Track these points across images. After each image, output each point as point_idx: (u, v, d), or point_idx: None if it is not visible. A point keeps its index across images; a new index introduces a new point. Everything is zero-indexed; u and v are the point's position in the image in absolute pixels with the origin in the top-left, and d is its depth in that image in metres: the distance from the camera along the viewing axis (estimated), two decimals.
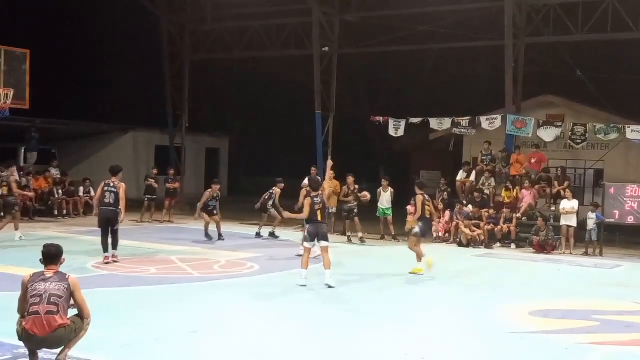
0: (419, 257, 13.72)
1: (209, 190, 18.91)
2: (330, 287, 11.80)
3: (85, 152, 30.92)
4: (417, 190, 14.12)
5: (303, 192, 15.10)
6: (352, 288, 12.22)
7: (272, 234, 19.29)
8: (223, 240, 18.17)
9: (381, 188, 20.56)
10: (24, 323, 6.77)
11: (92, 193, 23.13)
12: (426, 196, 14.14)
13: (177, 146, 29.15)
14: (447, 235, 19.96)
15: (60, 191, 23.23)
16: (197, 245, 17.12)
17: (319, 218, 12.22)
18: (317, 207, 12.21)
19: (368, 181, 23.26)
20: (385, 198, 20.34)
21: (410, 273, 13.51)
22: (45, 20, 33.20)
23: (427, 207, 13.96)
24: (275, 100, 36.93)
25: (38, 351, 6.95)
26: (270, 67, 32.99)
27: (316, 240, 12.27)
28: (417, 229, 13.92)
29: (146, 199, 22.70)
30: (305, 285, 11.84)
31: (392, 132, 22.85)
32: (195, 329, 8.81)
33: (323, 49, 24.59)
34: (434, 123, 22.37)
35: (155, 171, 23.70)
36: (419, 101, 32.12)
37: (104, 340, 7.96)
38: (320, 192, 12.50)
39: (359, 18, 25.09)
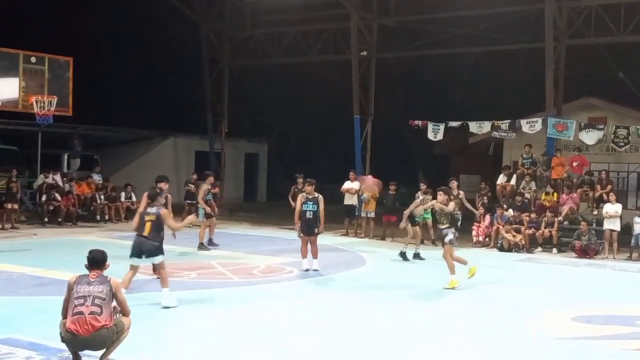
0: (453, 269, 12.66)
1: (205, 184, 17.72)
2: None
3: (126, 158, 31.31)
4: (443, 199, 13.22)
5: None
6: (394, 294, 12.17)
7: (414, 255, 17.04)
8: (216, 246, 17.50)
9: (420, 192, 20.46)
10: (67, 324, 6.90)
11: (134, 198, 23.48)
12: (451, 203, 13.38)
13: (217, 152, 29.39)
14: (487, 239, 19.79)
15: (102, 197, 23.55)
16: (237, 250, 17.21)
17: None
18: None
19: (407, 186, 23.17)
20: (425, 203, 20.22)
21: (447, 288, 12.51)
22: (87, 28, 33.72)
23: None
24: (314, 105, 37.01)
25: (81, 353, 7.07)
26: (309, 72, 33.10)
27: None
28: (451, 236, 12.87)
29: (186, 204, 22.91)
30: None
31: (431, 136, 22.74)
32: (233, 333, 8.87)
33: (361, 54, 24.61)
34: (473, 126, 22.21)
35: (194, 176, 23.90)
36: (457, 104, 31.97)
37: (143, 344, 8.07)
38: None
39: (397, 22, 25.06)
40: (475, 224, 19.82)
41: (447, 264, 12.75)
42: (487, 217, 20.13)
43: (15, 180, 20.84)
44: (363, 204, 20.96)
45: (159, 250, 10.52)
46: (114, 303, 7.11)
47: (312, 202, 14.02)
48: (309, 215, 14.01)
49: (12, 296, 10.87)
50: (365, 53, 24.67)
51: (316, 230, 14.08)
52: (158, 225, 10.55)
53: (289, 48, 27.11)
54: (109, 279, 7.14)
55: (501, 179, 21.84)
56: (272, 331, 9.16)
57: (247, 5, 27.60)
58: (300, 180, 19.71)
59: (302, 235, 14.14)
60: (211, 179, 17.49)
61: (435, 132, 22.62)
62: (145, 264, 11.00)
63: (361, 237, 20.72)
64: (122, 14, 33.68)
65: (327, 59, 27.53)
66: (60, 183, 23.36)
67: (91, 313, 6.85)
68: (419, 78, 34.10)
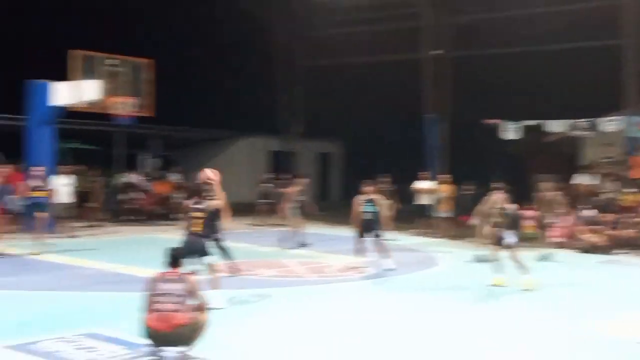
0: (526, 269, 12.30)
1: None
2: None
3: (202, 157, 31.85)
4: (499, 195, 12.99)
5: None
6: (466, 295, 12.06)
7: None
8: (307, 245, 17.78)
9: (494, 192, 20.17)
10: (147, 320, 7.11)
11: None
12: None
13: (291, 151, 29.66)
14: (567, 240, 19.37)
15: (180, 196, 24.06)
16: (311, 249, 17.35)
17: None
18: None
19: (481, 186, 22.91)
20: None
21: (523, 290, 12.07)
22: (165, 30, 34.49)
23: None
24: (387, 104, 36.88)
25: (163, 351, 7.26)
26: (381, 71, 33.03)
27: None
28: (512, 238, 12.47)
29: (260, 203, 23.21)
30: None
31: (505, 135, 22.43)
32: (311, 331, 8.97)
33: (433, 53, 24.45)
34: (549, 125, 21.81)
35: (268, 176, 24.16)
36: (533, 103, 31.33)
37: (221, 342, 8.25)
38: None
39: (469, 20, 24.81)
40: (553, 224, 19.45)
41: (515, 265, 12.42)
42: (567, 217, 19.71)
43: (96, 180, 21.50)
44: (437, 203, 20.82)
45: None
46: (192, 301, 7.28)
47: (371, 204, 14.13)
48: (368, 216, 14.09)
49: (94, 292, 11.26)
50: (437, 52, 24.50)
51: (376, 231, 14.04)
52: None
53: (361, 47, 27.15)
54: (188, 276, 7.33)
55: (579, 179, 21.38)
56: (342, 330, 9.21)
57: (321, 5, 27.81)
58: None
59: (362, 236, 14.21)
60: (304, 181, 17.64)
61: (510, 132, 22.30)
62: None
63: (435, 237, 20.59)
64: (198, 15, 34.32)
65: (400, 58, 27.46)
66: (140, 182, 24.05)
67: (170, 310, 7.03)
68: (492, 76, 33.59)
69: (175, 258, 7.43)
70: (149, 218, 22.35)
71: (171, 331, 7.01)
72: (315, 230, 18.70)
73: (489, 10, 23.92)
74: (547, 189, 18.09)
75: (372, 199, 14.31)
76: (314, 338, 8.73)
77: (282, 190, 23.40)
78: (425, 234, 21.13)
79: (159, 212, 23.40)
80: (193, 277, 7.41)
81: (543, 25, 23.33)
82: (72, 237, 18.15)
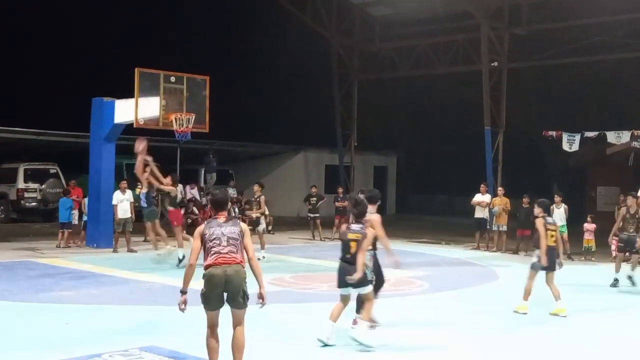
0: (558, 295, 11.14)
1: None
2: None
3: (258, 172, 32.18)
4: (539, 212, 11.49)
5: None
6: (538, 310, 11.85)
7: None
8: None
9: (554, 205, 19.84)
10: (208, 261, 7.09)
11: (266, 212, 24.04)
12: (549, 219, 11.44)
13: (346, 165, 29.69)
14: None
15: (236, 209, 24.27)
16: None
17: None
18: None
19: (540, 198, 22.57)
20: (559, 215, 19.58)
21: (515, 311, 11.23)
22: (222, 46, 35.01)
23: (551, 234, 11.17)
24: (443, 117, 36.72)
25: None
26: (437, 84, 32.90)
27: None
28: (535, 260, 11.30)
29: (310, 217, 23.27)
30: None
31: (566, 147, 22.04)
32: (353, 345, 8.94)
33: (492, 64, 24.24)
34: (611, 137, 21.36)
35: (314, 189, 24.01)
36: (594, 114, 30.82)
37: (278, 352, 8.27)
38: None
39: (529, 31, 24.52)
40: (614, 237, 19.00)
41: (551, 291, 11.28)
42: None
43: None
44: (495, 217, 20.56)
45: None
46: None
47: None
48: None
49: (154, 305, 11.40)
50: (496, 63, 24.28)
51: None
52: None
53: (417, 60, 27.09)
54: (238, 221, 7.39)
55: None
56: (400, 343, 9.14)
57: (377, 19, 27.83)
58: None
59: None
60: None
61: (570, 143, 21.91)
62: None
63: (493, 251, 20.32)
64: (254, 31, 34.75)
65: (457, 71, 27.29)
66: (198, 197, 24.33)
67: (229, 252, 7.10)
68: (552, 87, 33.14)
69: (220, 201, 7.47)
70: None
71: (232, 267, 7.07)
72: None
73: (549, 20, 23.60)
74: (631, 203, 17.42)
75: None
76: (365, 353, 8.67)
77: (339, 204, 23.48)
78: (482, 248, 20.88)
79: None
80: (244, 223, 7.48)
81: (603, 34, 22.91)
82: (131, 251, 18.45)
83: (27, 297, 11.84)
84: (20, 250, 17.17)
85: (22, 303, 11.41)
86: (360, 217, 9.04)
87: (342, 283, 8.82)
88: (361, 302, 9.05)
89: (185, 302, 7.18)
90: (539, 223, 11.18)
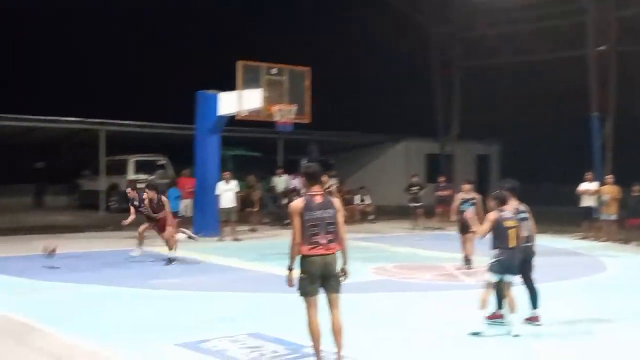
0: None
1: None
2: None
3: (359, 162, 32.27)
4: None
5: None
6: (636, 303, 11.46)
7: None
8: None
9: None
10: (306, 249, 7.19)
11: (367, 201, 24.22)
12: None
13: (448, 154, 29.37)
14: None
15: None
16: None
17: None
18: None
19: None
20: None
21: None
22: (322, 36, 35.21)
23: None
24: (547, 104, 35.70)
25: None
26: (540, 70, 32.04)
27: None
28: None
29: (412, 207, 23.21)
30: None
31: None
32: (457, 333, 8.87)
33: (599, 49, 23.43)
34: None
35: (415, 179, 23.91)
36: None
37: (378, 340, 8.33)
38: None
39: (637, 13, 23.57)
40: None
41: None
42: None
43: (253, 185, 22.13)
44: (603, 206, 19.91)
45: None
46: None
47: (469, 203, 14.06)
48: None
49: (259, 293, 11.66)
50: (603, 47, 23.45)
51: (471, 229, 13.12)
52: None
53: (520, 46, 26.49)
54: (332, 201, 7.40)
55: None
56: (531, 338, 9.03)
57: (478, 5, 27.36)
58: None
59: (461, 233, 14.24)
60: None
61: None
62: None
63: (602, 241, 19.67)
64: (353, 21, 34.74)
65: (561, 56, 26.52)
66: (300, 187, 24.59)
67: (328, 242, 7.20)
68: None
69: (314, 174, 7.52)
70: None
71: (331, 255, 7.21)
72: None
73: None
74: None
75: (472, 198, 14.31)
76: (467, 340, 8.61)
77: (441, 193, 23.28)
78: (590, 238, 20.25)
79: None
80: (335, 199, 7.52)
81: None
82: (236, 240, 18.89)
83: (136, 283, 12.35)
84: (131, 239, 17.85)
85: (131, 289, 11.92)
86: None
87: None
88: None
89: (292, 279, 7.31)
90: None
